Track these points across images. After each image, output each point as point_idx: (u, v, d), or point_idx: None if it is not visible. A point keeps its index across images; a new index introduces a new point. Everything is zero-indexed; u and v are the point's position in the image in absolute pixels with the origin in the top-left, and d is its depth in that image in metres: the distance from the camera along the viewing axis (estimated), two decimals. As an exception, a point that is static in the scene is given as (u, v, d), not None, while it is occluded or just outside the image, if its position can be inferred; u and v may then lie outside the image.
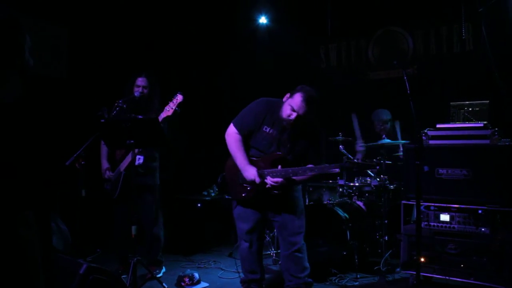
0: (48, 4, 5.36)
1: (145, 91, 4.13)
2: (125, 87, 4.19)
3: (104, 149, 4.23)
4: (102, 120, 3.63)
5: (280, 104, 3.23)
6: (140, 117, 4.03)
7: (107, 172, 4.14)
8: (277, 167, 3.16)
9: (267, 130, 3.29)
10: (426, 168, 2.63)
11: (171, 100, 3.83)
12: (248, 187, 3.28)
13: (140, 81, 4.15)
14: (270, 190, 3.15)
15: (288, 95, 3.23)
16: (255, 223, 3.41)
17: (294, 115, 3.11)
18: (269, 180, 3.12)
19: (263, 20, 6.58)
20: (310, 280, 3.39)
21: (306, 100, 3.08)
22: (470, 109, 4.02)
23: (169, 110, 3.79)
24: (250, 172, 3.21)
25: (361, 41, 6.11)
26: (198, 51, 6.89)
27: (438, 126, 3.85)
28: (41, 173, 1.98)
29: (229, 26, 6.63)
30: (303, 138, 3.25)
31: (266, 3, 6.48)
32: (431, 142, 3.76)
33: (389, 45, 5.91)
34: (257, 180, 3.15)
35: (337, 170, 3.03)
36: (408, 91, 2.79)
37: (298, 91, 3.15)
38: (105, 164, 4.21)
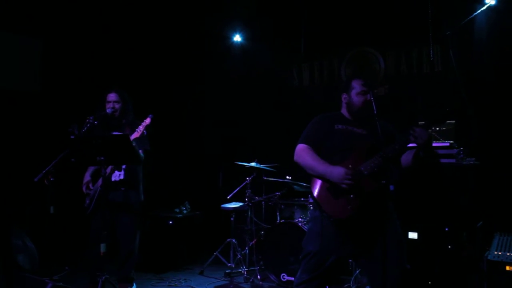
0: (21, 16, 5.28)
1: (117, 106, 4.09)
2: (98, 104, 4.14)
3: None
4: (72, 137, 3.59)
5: (341, 108, 3.05)
6: (115, 133, 4.00)
7: (88, 185, 4.08)
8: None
9: (340, 127, 2.94)
10: (391, 187, 2.68)
11: (141, 121, 3.84)
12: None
13: (111, 96, 4.12)
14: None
15: (344, 95, 3.02)
16: None
17: (368, 95, 2.85)
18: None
19: (237, 38, 6.68)
20: None
21: (364, 77, 2.95)
22: (437, 128, 4.13)
23: (137, 132, 3.79)
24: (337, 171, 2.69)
25: (334, 61, 6.20)
26: (172, 67, 6.90)
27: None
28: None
29: (204, 43, 6.68)
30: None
31: (241, 22, 6.57)
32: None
33: (361, 65, 6.01)
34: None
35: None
36: (375, 111, 2.80)
37: (351, 80, 3.00)
38: (86, 177, 4.16)
